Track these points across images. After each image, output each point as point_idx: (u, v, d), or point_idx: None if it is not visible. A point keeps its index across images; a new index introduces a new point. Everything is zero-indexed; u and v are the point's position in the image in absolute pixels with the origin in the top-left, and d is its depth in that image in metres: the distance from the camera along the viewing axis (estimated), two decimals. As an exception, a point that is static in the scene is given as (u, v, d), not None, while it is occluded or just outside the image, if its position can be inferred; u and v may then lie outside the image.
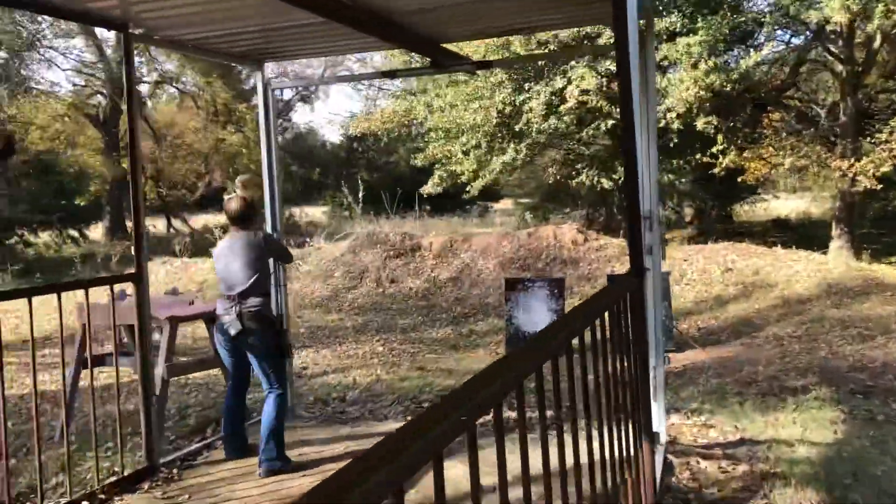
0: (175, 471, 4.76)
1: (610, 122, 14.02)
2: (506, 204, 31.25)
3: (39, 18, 22.33)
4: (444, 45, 5.15)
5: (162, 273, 14.58)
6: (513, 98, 13.99)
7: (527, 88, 13.84)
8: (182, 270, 14.94)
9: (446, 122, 15.55)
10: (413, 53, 13.07)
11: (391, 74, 5.51)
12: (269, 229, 5.72)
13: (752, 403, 6.13)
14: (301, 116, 72.54)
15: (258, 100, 5.66)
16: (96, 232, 28.85)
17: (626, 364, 3.10)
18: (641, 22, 4.25)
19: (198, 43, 4.91)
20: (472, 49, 13.17)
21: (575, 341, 2.26)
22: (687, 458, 4.80)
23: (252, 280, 4.60)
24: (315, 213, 30.86)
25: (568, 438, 2.09)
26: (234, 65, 31.22)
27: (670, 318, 8.97)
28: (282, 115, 38.24)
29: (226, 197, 4.80)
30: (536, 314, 9.39)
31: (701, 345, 8.83)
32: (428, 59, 5.17)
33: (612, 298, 3.20)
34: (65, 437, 4.46)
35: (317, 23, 4.55)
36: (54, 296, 4.24)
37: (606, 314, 2.72)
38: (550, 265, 12.88)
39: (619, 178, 14.32)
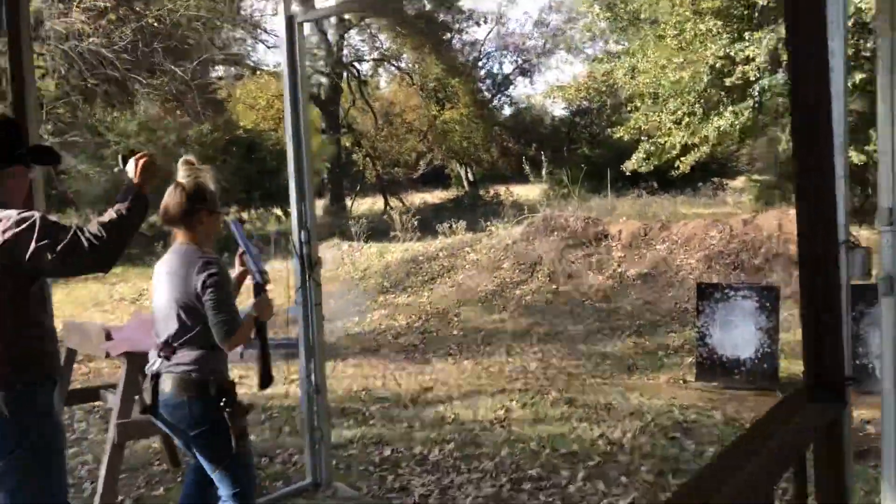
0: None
1: (858, 77, 10.74)
2: (742, 183, 27.55)
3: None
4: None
5: (328, 257, 13.41)
6: (727, 50, 11.10)
7: (746, 38, 10.91)
8: (348, 255, 13.85)
9: (651, 86, 13.03)
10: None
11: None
12: (295, 226, 4.03)
13: None
14: (520, 90, 70.34)
15: (282, 41, 3.97)
16: (317, 209, 29.38)
17: None
18: None
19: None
20: None
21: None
22: None
23: (177, 322, 2.88)
24: (528, 192, 29.10)
25: None
26: (446, 38, 30.52)
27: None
28: (500, 90, 36.93)
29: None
30: (739, 333, 7.07)
31: None
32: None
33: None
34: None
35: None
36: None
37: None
38: (771, 263, 10.04)
39: (874, 150, 11.01)
